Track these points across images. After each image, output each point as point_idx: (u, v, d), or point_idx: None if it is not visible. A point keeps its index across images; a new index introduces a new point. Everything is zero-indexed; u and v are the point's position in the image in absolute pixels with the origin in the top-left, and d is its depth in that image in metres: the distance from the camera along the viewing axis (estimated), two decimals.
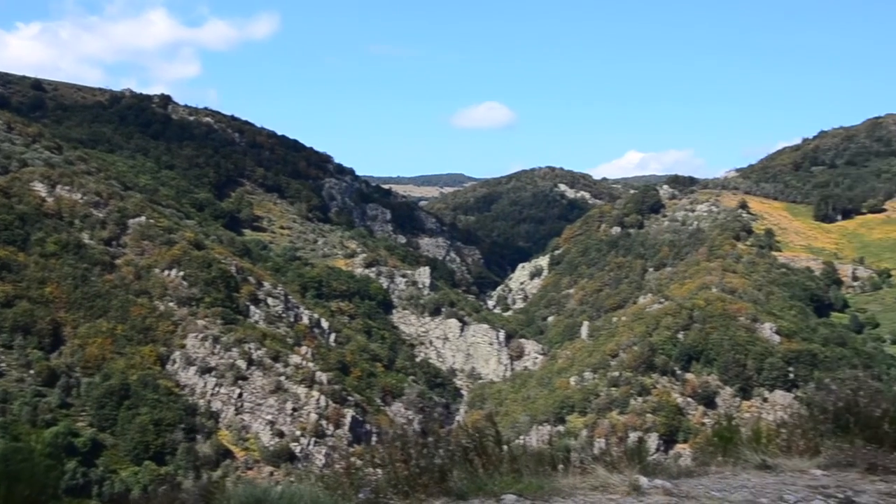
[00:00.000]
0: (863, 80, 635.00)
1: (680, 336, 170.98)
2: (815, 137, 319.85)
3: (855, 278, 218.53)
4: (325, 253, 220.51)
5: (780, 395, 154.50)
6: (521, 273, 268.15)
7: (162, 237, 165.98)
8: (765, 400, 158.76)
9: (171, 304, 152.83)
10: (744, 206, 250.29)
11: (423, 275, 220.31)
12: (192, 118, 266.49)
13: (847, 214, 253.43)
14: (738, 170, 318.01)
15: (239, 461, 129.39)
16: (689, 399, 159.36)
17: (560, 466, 7.55)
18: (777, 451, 8.85)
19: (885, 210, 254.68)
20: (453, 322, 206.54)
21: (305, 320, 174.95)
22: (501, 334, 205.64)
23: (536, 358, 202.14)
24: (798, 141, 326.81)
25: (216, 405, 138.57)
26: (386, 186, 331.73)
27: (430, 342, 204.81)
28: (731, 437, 8.94)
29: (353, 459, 7.70)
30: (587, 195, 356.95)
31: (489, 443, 7.52)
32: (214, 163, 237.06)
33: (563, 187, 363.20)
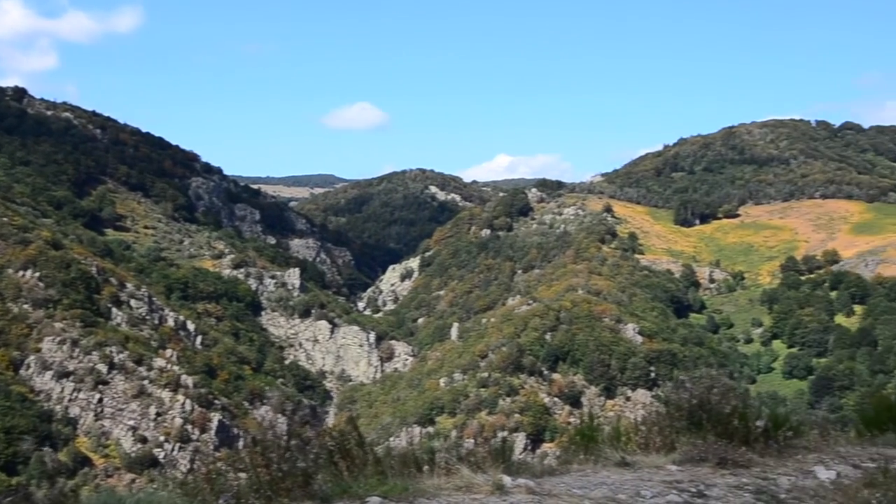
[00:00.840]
0: (719, 89, 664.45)
1: (547, 337, 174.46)
2: (675, 144, 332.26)
3: (711, 280, 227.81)
4: (192, 254, 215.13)
5: (641, 394, 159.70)
6: (392, 275, 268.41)
7: (16, 236, 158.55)
8: (628, 399, 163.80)
9: (25, 306, 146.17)
10: (609, 210, 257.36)
11: (293, 276, 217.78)
12: (49, 113, 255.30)
13: (704, 219, 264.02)
14: (603, 175, 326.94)
15: (98, 469, 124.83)
16: (556, 399, 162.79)
17: (425, 468, 7.57)
18: (636, 448, 9.12)
19: (738, 215, 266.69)
20: (323, 324, 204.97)
21: (170, 322, 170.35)
22: (372, 336, 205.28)
23: (407, 359, 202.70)
24: (660, 147, 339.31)
25: (74, 411, 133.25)
26: (255, 186, 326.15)
27: (300, 344, 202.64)
28: (592, 435, 9.16)
29: (216, 464, 7.52)
30: (458, 197, 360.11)
31: (354, 445, 7.48)
32: (74, 159, 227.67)
33: (433, 189, 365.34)
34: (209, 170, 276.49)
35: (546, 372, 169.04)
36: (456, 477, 7.24)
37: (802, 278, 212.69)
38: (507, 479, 7.16)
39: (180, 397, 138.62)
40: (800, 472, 8.20)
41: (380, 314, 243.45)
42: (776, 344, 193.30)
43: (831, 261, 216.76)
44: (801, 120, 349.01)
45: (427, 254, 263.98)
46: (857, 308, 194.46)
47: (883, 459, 8.59)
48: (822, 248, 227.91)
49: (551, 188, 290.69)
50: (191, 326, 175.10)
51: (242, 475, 7.01)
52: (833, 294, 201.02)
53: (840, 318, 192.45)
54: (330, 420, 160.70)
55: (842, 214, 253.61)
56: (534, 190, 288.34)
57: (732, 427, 9.00)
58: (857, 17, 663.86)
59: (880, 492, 7.13)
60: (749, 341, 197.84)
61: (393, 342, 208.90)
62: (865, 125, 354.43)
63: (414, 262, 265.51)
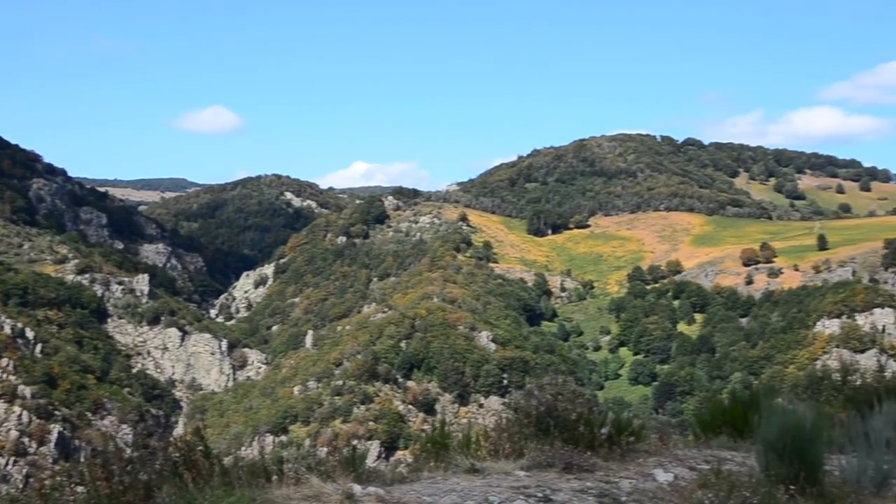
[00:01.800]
0: (571, 102, 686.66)
1: (402, 345, 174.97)
2: (529, 155, 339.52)
3: (563, 289, 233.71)
4: (32, 258, 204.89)
5: (494, 401, 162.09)
6: (246, 281, 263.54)
7: None
8: (481, 405, 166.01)
9: None
10: (464, 218, 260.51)
11: (142, 282, 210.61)
12: None
13: (556, 229, 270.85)
14: (459, 183, 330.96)
15: None
16: (411, 406, 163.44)
17: (274, 478, 7.46)
18: (486, 454, 9.26)
19: (589, 226, 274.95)
20: (173, 331, 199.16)
21: (7, 330, 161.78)
22: (224, 344, 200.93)
23: (260, 367, 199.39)
24: (514, 158, 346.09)
25: None
26: (102, 189, 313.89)
27: (149, 352, 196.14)
28: (443, 442, 9.24)
29: (53, 478, 7.19)
30: (313, 204, 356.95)
31: (200, 456, 7.29)
32: None
33: (289, 196, 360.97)
34: (52, 171, 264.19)
35: (401, 379, 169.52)
36: (305, 486, 7.16)
37: (648, 287, 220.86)
38: (357, 488, 7.13)
39: (16, 408, 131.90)
40: (640, 475, 8.50)
41: (233, 321, 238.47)
42: (623, 351, 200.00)
43: (674, 271, 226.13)
44: (647, 135, 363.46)
45: (282, 260, 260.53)
46: (698, 316, 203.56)
47: (716, 461, 9.01)
48: (666, 258, 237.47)
49: (408, 196, 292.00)
50: (30, 334, 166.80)
51: (81, 489, 6.73)
52: (676, 303, 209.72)
53: (682, 326, 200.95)
54: (179, 430, 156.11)
55: (684, 226, 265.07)
56: (390, 198, 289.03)
57: (578, 433, 9.25)
58: (699, 38, 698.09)
59: (713, 492, 7.47)
60: (598, 349, 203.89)
61: (246, 350, 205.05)
62: (706, 142, 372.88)
63: (268, 269, 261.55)
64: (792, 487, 7.71)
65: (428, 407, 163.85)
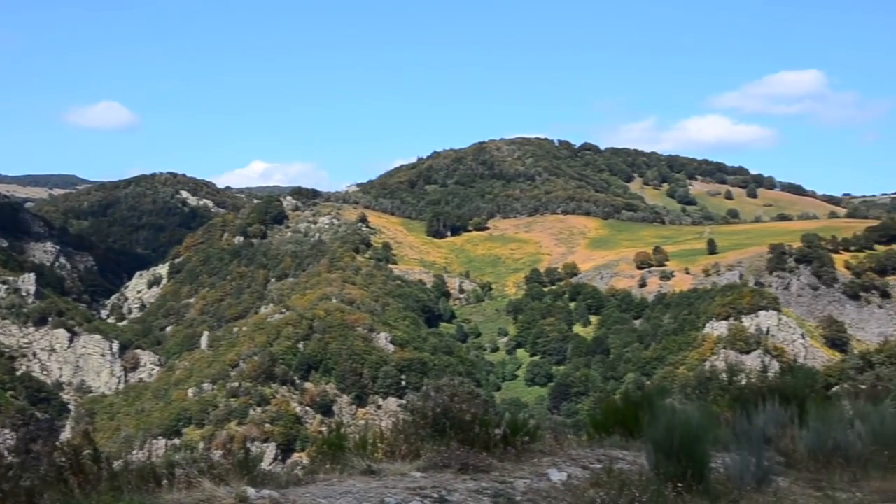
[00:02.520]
0: (471, 104, 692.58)
1: (300, 346, 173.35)
2: (429, 157, 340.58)
3: (461, 291, 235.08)
4: None
5: (392, 402, 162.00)
6: (139, 281, 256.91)
7: None
8: (379, 407, 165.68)
9: None
10: (363, 219, 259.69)
11: (28, 282, 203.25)
12: None
13: (456, 231, 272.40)
14: (358, 184, 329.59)
15: None
16: (308, 408, 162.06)
17: (165, 482, 7.30)
18: (383, 456, 9.26)
19: (487, 228, 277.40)
20: (61, 332, 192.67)
21: None
22: (115, 345, 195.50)
23: (153, 369, 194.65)
24: (414, 160, 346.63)
25: None
26: None
27: (34, 354, 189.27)
28: (340, 444, 9.20)
29: None
30: (210, 203, 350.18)
31: (88, 461, 7.08)
32: None
33: (185, 194, 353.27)
34: None
35: (298, 381, 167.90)
36: (197, 490, 7.03)
37: (545, 290, 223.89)
38: (250, 491, 7.04)
39: None
40: (535, 474, 8.62)
41: (125, 322, 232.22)
42: (520, 352, 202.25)
43: (571, 273, 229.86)
44: (545, 139, 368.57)
45: (177, 260, 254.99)
46: (593, 318, 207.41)
47: (608, 460, 9.22)
48: (562, 261, 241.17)
49: (307, 196, 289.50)
50: None
51: None
52: (572, 305, 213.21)
53: (578, 328, 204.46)
54: (66, 434, 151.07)
55: (581, 230, 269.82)
56: (289, 198, 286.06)
57: (474, 433, 9.32)
58: (597, 44, 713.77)
59: (604, 491, 7.64)
60: (495, 350, 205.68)
61: (138, 351, 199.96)
62: (602, 147, 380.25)
63: (163, 269, 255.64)
64: (679, 485, 7.94)
65: (326, 408, 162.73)
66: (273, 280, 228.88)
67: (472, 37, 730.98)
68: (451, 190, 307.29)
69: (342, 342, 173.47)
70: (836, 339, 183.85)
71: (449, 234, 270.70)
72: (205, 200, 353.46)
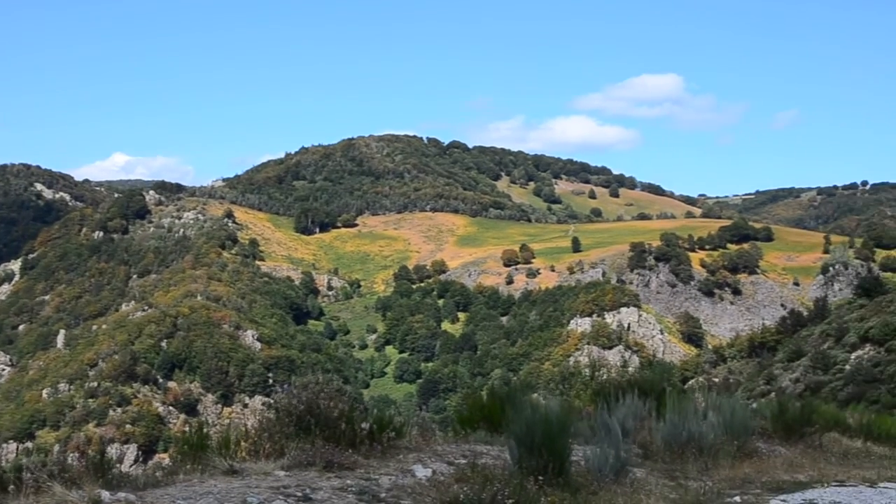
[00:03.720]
0: (339, 100, 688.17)
1: (163, 344, 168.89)
2: (297, 153, 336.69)
3: (330, 288, 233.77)
4: None
5: (259, 401, 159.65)
6: None
7: None
8: (245, 405, 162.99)
9: None
10: (230, 215, 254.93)
11: None
12: None
13: (324, 227, 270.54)
14: (225, 179, 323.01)
15: None
16: (171, 407, 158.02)
17: (11, 487, 6.96)
18: (246, 455, 9.08)
19: (356, 225, 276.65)
20: None
21: None
22: None
23: (4, 370, 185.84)
24: (282, 155, 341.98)
25: None
26: None
27: None
28: (201, 444, 8.98)
29: None
30: (67, 197, 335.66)
31: None
32: None
33: (39, 187, 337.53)
34: None
35: (161, 380, 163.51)
36: (47, 495, 6.73)
37: (413, 286, 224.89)
38: (105, 494, 6.79)
39: None
40: (400, 471, 8.63)
41: None
42: (389, 349, 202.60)
43: (439, 270, 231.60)
44: (414, 136, 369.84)
45: (31, 256, 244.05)
46: (461, 315, 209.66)
47: (473, 455, 9.32)
48: (431, 258, 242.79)
49: (171, 191, 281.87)
50: None
51: None
52: (441, 302, 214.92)
53: (446, 325, 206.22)
54: None
55: (449, 227, 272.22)
56: (152, 192, 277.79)
57: (340, 431, 9.26)
58: (466, 42, 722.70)
59: (468, 486, 7.71)
60: (364, 347, 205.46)
61: None
62: (470, 145, 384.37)
63: (15, 265, 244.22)
64: (541, 478, 8.10)
65: (190, 408, 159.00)
66: (135, 276, 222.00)
67: (342, 32, 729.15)
68: (320, 186, 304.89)
69: (207, 340, 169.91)
70: (692, 335, 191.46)
71: (317, 230, 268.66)
72: (61, 194, 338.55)
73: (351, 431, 9.34)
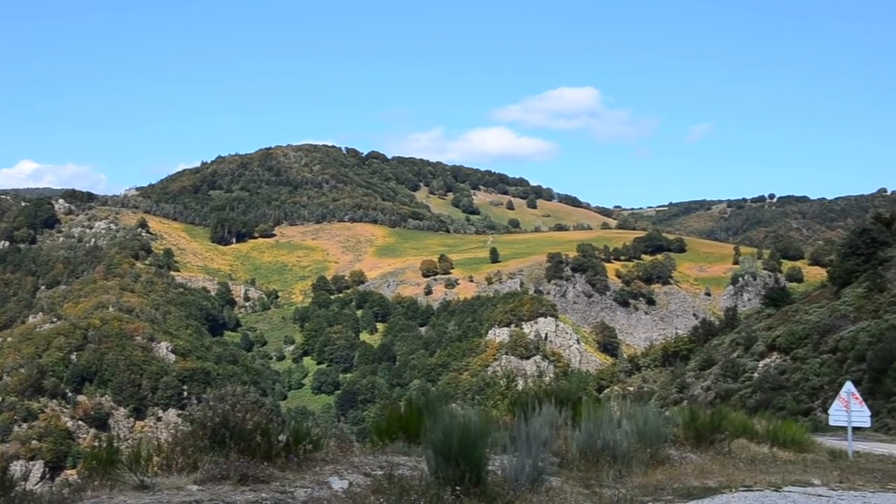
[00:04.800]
0: (257, 109, 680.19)
1: (73, 357, 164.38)
2: (213, 162, 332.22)
3: (247, 298, 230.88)
4: None
5: (173, 414, 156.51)
6: None
7: None
8: (159, 419, 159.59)
9: None
10: (144, 225, 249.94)
11: None
12: None
13: (241, 238, 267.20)
14: (138, 188, 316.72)
15: None
16: (81, 422, 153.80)
17: None
18: (157, 470, 8.89)
19: (274, 235, 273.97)
20: None
21: None
22: None
23: None
24: (198, 164, 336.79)
25: None
26: None
27: None
28: (111, 459, 8.76)
29: None
30: None
31: None
32: None
33: None
34: None
35: (70, 394, 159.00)
36: None
37: (332, 297, 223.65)
38: None
39: None
40: (316, 483, 8.56)
41: None
42: (307, 360, 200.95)
43: (358, 281, 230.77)
44: (333, 146, 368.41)
45: None
46: (380, 325, 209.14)
47: (390, 466, 9.29)
48: (350, 268, 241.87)
49: (81, 200, 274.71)
50: None
51: None
52: (359, 312, 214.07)
53: (365, 336, 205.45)
54: None
55: (368, 238, 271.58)
56: (61, 201, 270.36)
57: (255, 443, 9.14)
58: (384, 54, 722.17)
59: (385, 497, 7.69)
60: (282, 358, 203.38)
61: None
62: (390, 155, 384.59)
63: None
64: (458, 488, 8.12)
65: (100, 422, 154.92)
66: (43, 287, 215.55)
67: (259, 41, 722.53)
68: (237, 196, 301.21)
69: (119, 352, 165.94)
70: (608, 344, 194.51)
71: (234, 240, 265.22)
72: None
73: (267, 444, 9.22)
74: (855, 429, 20.44)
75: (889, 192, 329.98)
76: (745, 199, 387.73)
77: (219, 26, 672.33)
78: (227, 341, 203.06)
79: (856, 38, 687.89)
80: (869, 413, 20.87)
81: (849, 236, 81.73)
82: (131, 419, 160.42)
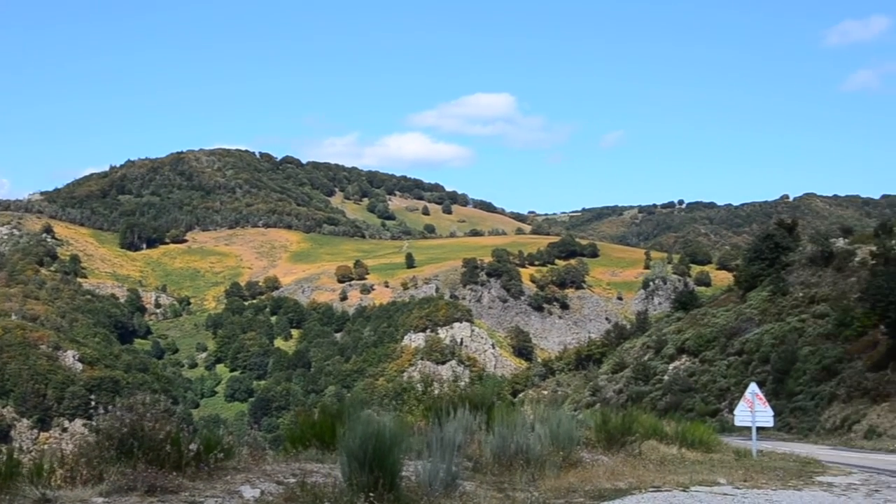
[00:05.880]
0: (168, 113, 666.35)
1: None
2: (122, 166, 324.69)
3: (158, 305, 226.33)
4: None
5: (80, 425, 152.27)
6: None
7: None
8: (65, 430, 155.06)
9: None
10: (49, 230, 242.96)
11: None
12: None
13: (152, 243, 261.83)
14: (43, 193, 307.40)
15: None
16: None
17: None
18: (61, 482, 8.65)
19: (186, 241, 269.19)
20: None
21: None
22: None
23: None
24: (106, 168, 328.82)
25: None
26: None
27: None
28: (10, 472, 8.48)
29: None
30: None
31: None
32: None
33: None
34: None
35: None
36: None
37: (246, 303, 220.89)
38: None
39: None
40: (227, 492, 8.43)
41: None
42: (220, 368, 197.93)
43: (272, 287, 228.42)
44: (246, 150, 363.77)
45: None
46: (295, 332, 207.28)
47: (303, 474, 9.21)
48: (264, 274, 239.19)
49: None
50: None
51: None
52: (273, 318, 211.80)
53: (279, 342, 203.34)
54: None
55: (282, 243, 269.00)
56: None
57: (165, 453, 8.96)
58: (300, 59, 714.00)
59: None
60: (194, 366, 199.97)
61: None
62: (305, 160, 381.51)
63: None
64: (372, 494, 8.09)
65: (2, 434, 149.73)
66: None
67: (170, 44, 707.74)
68: (147, 201, 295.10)
69: (23, 361, 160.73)
70: (523, 348, 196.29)
71: (144, 246, 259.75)
72: None
73: (177, 453, 9.04)
74: (759, 428, 21.05)
75: (791, 199, 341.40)
76: (655, 205, 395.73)
77: (128, 26, 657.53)
78: (138, 349, 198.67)
79: (763, 49, 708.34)
80: (772, 413, 21.53)
81: (754, 241, 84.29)
82: (35, 430, 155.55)
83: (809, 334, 50.04)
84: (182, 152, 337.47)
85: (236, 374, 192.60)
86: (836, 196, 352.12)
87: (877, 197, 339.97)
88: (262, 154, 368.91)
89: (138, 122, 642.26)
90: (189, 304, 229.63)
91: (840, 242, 63.82)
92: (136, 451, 8.83)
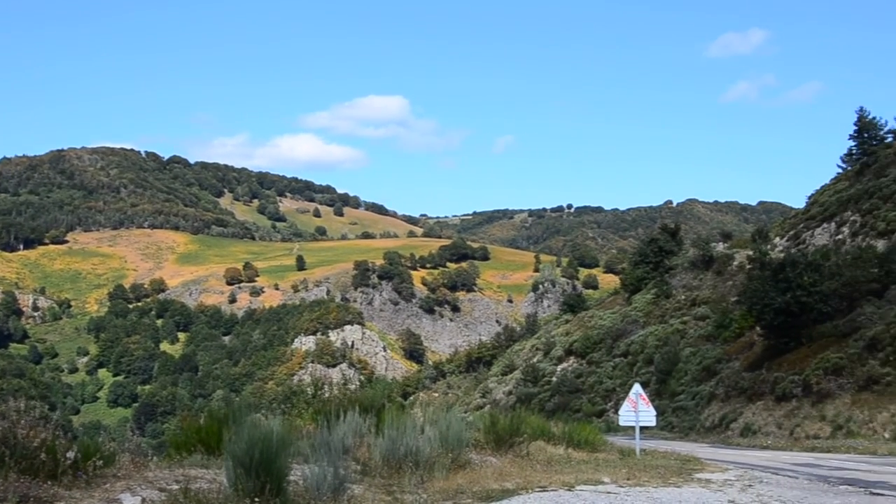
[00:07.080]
0: (47, 108, 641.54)
1: None
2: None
3: (36, 308, 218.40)
4: None
5: None
6: None
7: None
8: None
9: None
10: None
11: None
12: None
13: (29, 244, 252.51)
14: None
15: None
16: None
17: None
18: None
19: (67, 241, 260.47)
20: None
21: None
22: None
23: None
24: None
25: None
26: None
27: None
28: None
29: None
30: None
31: None
32: None
33: None
34: None
35: None
36: None
37: (130, 306, 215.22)
38: None
39: None
40: (106, 501, 8.18)
41: None
42: (102, 373, 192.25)
43: (158, 289, 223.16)
44: (131, 149, 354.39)
45: None
46: (181, 335, 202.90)
47: (186, 480, 9.01)
48: (150, 276, 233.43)
49: None
50: None
51: None
52: (159, 322, 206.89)
53: (165, 345, 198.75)
54: None
55: (169, 245, 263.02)
56: None
57: (39, 461, 8.63)
58: (193, 57, 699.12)
59: None
60: (74, 371, 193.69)
61: None
62: (194, 160, 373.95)
63: None
64: (258, 500, 7.97)
65: None
66: None
67: (51, 34, 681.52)
68: (25, 200, 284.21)
69: None
70: (414, 351, 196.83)
71: (21, 247, 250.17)
72: None
73: (52, 462, 8.71)
74: (643, 428, 21.61)
75: (675, 204, 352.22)
76: (545, 209, 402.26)
77: (7, 15, 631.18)
78: (13, 354, 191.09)
79: (650, 60, 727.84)
80: (655, 413, 22.11)
81: (639, 245, 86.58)
82: None
83: (691, 336, 51.64)
84: (63, 150, 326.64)
85: (119, 378, 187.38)
86: (716, 202, 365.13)
87: (754, 203, 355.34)
88: (148, 153, 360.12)
89: (15, 118, 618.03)
90: (70, 306, 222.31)
91: (720, 247, 66.18)
92: (8, 460, 8.48)
